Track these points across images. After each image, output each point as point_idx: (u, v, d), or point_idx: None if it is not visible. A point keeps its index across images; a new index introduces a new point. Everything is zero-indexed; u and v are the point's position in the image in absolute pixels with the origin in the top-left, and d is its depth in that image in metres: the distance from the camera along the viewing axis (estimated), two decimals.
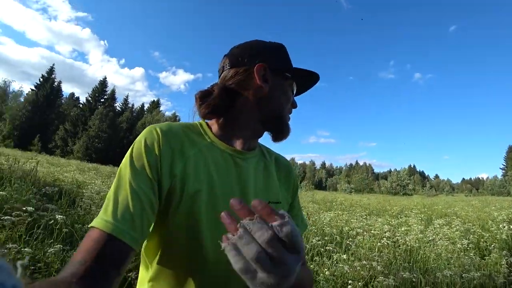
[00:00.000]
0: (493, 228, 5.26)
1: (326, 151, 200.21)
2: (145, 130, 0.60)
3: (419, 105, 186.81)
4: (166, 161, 0.57)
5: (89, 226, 0.49)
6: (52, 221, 2.42)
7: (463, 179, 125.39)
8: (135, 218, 0.49)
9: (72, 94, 57.55)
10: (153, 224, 0.58)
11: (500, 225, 5.39)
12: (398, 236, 3.85)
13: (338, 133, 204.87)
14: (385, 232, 3.92)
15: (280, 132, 0.71)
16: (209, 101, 0.65)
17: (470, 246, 3.95)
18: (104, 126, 43.59)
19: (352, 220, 5.27)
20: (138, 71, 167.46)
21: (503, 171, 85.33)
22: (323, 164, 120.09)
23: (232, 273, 0.33)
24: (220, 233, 0.51)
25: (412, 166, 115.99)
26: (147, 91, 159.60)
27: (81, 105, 50.91)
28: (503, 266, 3.26)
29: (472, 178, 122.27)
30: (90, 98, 50.59)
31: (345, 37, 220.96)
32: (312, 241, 3.24)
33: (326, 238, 3.52)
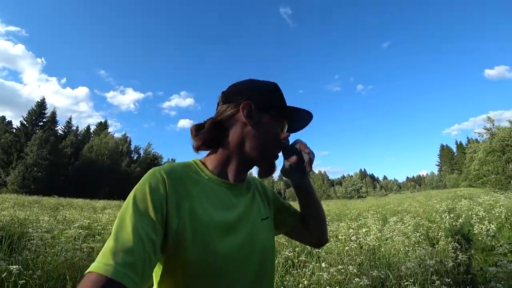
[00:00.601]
0: (438, 219, 5.91)
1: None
2: (148, 173, 0.62)
3: (364, 114, 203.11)
4: (172, 202, 0.58)
5: (86, 272, 0.47)
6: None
7: (407, 177, 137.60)
8: (137, 261, 0.49)
9: (3, 118, 50.60)
10: (161, 267, 0.60)
11: (443, 216, 6.09)
12: (361, 238, 4.11)
13: None
14: (352, 236, 4.15)
15: (263, 170, 0.74)
16: (201, 134, 0.70)
17: (421, 238, 4.39)
18: (45, 152, 38.99)
19: None
20: (82, 91, 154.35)
21: (438, 167, 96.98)
22: (281, 176, 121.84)
23: None
24: (234, 255, 0.62)
25: (363, 170, 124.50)
26: (93, 112, 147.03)
27: (14, 130, 45.12)
28: (450, 251, 3.69)
29: (415, 176, 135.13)
30: (25, 122, 45.12)
31: (294, 53, 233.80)
32: (284, 253, 3.31)
33: (297, 249, 3.62)
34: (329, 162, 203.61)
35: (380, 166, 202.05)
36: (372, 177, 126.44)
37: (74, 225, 4.78)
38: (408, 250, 3.64)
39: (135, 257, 0.49)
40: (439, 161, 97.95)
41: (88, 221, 6.33)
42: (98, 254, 0.50)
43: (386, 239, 4.30)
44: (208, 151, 0.74)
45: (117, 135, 62.95)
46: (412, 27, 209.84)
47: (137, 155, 57.93)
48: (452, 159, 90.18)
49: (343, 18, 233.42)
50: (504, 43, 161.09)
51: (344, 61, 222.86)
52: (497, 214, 6.01)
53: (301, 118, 0.79)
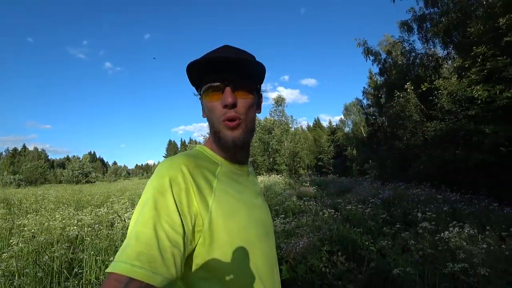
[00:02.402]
0: None
1: None
2: (164, 165, 0.58)
3: (104, 94, 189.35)
4: (196, 192, 0.57)
5: (109, 271, 0.44)
6: None
7: (136, 164, 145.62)
8: (164, 259, 0.47)
9: None
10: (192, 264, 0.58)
11: None
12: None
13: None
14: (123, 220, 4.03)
15: (225, 147, 0.66)
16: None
17: None
18: None
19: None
20: None
21: (165, 157, 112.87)
22: None
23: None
24: (266, 243, 0.67)
25: (92, 153, 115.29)
26: None
27: None
28: None
29: (143, 164, 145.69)
30: None
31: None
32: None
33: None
34: (51, 139, 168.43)
35: (111, 151, 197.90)
36: (102, 161, 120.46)
37: None
38: None
39: (161, 255, 0.47)
40: (165, 153, 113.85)
41: None
42: None
43: None
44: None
45: None
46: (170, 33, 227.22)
47: None
48: (176, 152, 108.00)
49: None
50: None
51: (100, 33, 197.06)
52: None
53: (212, 63, 0.62)
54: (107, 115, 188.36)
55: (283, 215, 5.01)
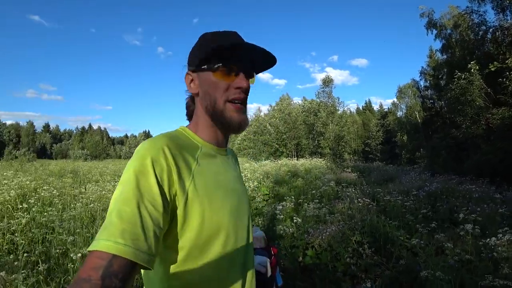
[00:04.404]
0: None
1: (51, 110, 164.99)
2: (146, 145, 0.59)
3: (157, 77, 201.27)
4: (177, 172, 0.57)
5: (91, 249, 0.45)
6: None
7: None
8: (146, 238, 0.48)
9: None
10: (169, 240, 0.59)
11: None
12: None
13: (68, 90, 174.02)
14: None
15: (225, 127, 0.69)
16: (186, 106, 0.78)
17: None
18: None
19: None
20: None
21: None
22: (47, 127, 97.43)
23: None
24: (239, 224, 0.68)
25: (147, 132, 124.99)
26: None
27: None
28: None
29: None
30: None
31: None
32: None
33: None
34: (112, 119, 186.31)
35: (163, 130, 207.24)
36: None
37: None
38: None
39: (144, 234, 0.48)
40: None
41: None
42: None
43: None
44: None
45: None
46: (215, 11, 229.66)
47: None
48: None
49: None
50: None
51: (151, 19, 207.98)
52: (257, 175, 8.49)
53: (245, 53, 0.66)
54: (161, 97, 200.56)
55: (317, 200, 4.93)
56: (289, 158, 21.31)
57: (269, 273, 1.18)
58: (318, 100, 25.58)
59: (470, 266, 2.35)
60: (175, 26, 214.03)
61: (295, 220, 3.86)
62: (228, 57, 0.65)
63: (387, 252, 3.16)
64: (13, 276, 1.92)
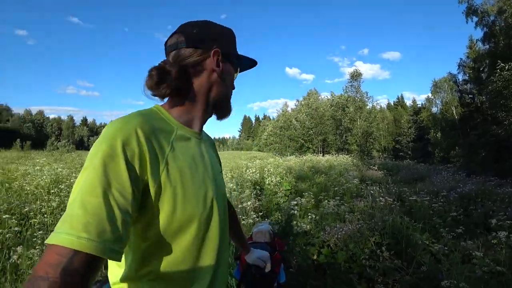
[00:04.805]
0: (243, 173, 7.44)
1: (88, 105, 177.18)
2: (115, 125, 0.53)
3: None
4: (148, 157, 0.53)
5: (48, 243, 0.42)
6: None
7: (214, 137, 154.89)
8: (112, 230, 0.45)
9: None
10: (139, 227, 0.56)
11: (247, 171, 7.69)
12: None
13: (103, 86, 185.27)
14: None
15: (225, 113, 0.76)
16: (169, 81, 0.62)
17: (233, 186, 5.45)
18: None
19: None
20: None
21: (239, 132, 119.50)
22: (84, 120, 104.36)
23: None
24: (213, 214, 0.65)
25: None
26: None
27: None
28: (252, 196, 4.84)
29: (220, 137, 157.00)
30: None
31: None
32: None
33: None
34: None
35: None
36: None
37: None
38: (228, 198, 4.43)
39: (110, 226, 0.44)
40: (240, 127, 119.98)
41: None
42: None
43: None
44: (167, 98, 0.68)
45: None
46: (241, 11, 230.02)
47: None
48: (250, 128, 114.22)
49: None
50: (303, 53, 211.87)
51: (181, 16, 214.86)
52: (280, 170, 8.40)
53: (245, 67, 0.84)
54: None
55: (338, 197, 4.75)
56: (315, 154, 20.87)
57: (268, 268, 1.13)
58: (346, 95, 24.80)
59: (501, 278, 2.09)
60: None
61: (311, 217, 3.74)
62: (243, 62, 0.80)
63: (408, 256, 2.94)
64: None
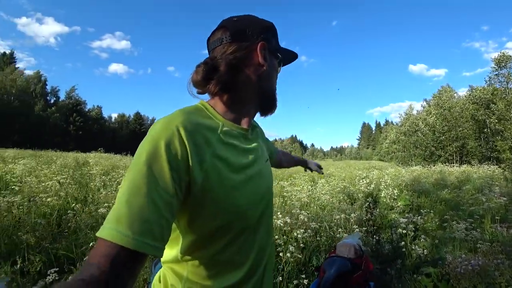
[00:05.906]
0: (356, 184, 7.14)
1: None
2: (158, 126, 0.54)
3: (301, 84, 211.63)
4: (192, 157, 0.53)
5: (101, 236, 0.45)
6: None
7: (331, 147, 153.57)
8: (155, 228, 0.47)
9: None
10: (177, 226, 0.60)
11: (360, 181, 7.34)
12: (294, 193, 4.80)
13: None
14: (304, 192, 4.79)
15: (272, 108, 0.76)
16: (218, 77, 0.63)
17: (344, 197, 5.35)
18: None
19: None
20: None
21: (358, 141, 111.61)
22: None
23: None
24: (259, 215, 0.66)
25: (294, 136, 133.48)
26: None
27: None
28: (364, 208, 4.64)
29: (338, 146, 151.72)
30: None
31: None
32: None
33: None
34: (262, 125, 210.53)
35: (309, 135, 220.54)
36: (301, 143, 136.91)
37: None
38: (334, 207, 4.44)
39: (152, 224, 0.47)
40: (359, 136, 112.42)
41: None
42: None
43: (314, 197, 5.07)
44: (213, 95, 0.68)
45: (28, 72, 51.76)
46: (356, 13, 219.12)
47: (54, 98, 49.75)
48: (370, 135, 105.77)
49: None
50: (429, 45, 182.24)
51: (292, 32, 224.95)
52: (399, 182, 7.56)
53: (287, 60, 0.83)
54: (306, 103, 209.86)
55: (472, 219, 3.89)
56: (448, 164, 17.02)
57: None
58: (490, 87, 19.38)
59: None
60: (314, 30, 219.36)
61: (428, 240, 3.30)
62: (285, 56, 0.78)
63: None
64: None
